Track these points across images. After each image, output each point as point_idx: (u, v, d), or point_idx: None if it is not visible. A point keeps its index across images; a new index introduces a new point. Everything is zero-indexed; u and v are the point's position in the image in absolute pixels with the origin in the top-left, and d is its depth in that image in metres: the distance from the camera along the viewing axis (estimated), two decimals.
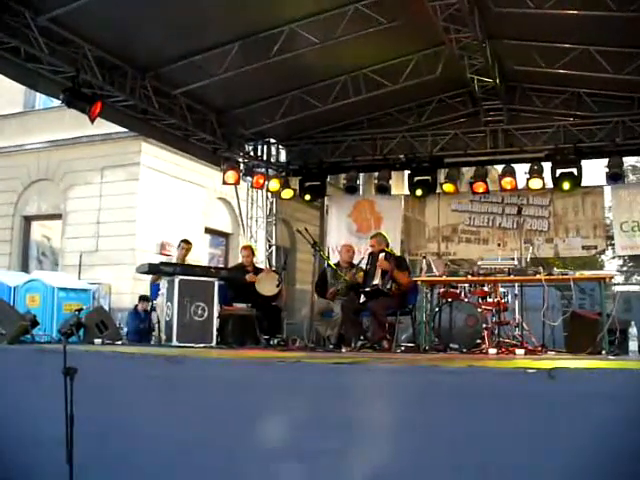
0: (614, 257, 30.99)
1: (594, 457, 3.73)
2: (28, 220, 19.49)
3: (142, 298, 13.95)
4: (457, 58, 10.28)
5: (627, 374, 4.11)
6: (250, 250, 10.73)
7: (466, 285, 9.16)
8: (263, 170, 13.99)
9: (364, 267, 9.35)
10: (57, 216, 18.64)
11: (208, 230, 19.48)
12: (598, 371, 4.32)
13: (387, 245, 9.40)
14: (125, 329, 12.74)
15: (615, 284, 16.08)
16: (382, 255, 8.96)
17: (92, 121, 9.86)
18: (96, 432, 4.78)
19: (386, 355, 7.59)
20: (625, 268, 33.65)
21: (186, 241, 10.48)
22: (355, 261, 9.95)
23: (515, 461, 3.81)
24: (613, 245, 13.78)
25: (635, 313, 13.06)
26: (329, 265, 9.73)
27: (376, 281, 8.79)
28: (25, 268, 18.60)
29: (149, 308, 13.37)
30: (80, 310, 8.77)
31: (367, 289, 8.90)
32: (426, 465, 4.03)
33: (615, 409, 3.74)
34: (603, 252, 14.26)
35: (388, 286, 8.72)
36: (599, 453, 3.72)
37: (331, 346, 8.75)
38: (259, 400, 4.57)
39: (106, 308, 13.11)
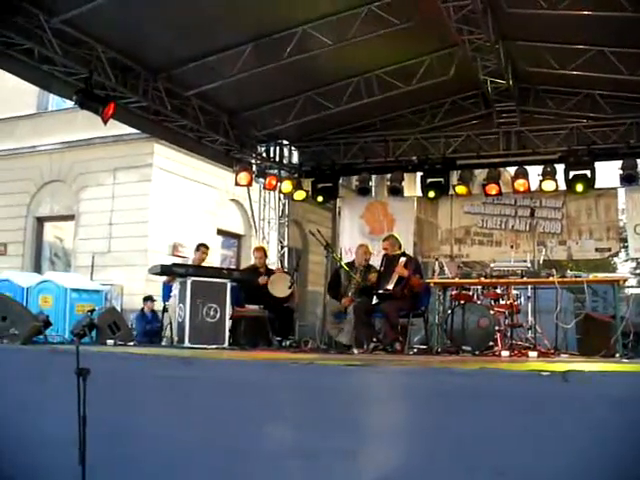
0: (627, 260, 30.94)
1: (608, 460, 3.69)
2: (41, 221, 19.55)
3: (146, 299, 14.00)
4: (470, 59, 10.26)
5: None
6: (263, 252, 10.74)
7: (479, 287, 9.13)
8: (275, 172, 13.99)
9: (378, 269, 9.32)
10: (70, 217, 18.69)
11: (220, 231, 19.48)
12: (613, 374, 4.29)
13: (400, 247, 9.38)
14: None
15: (628, 287, 15.99)
16: (403, 260, 8.88)
17: (105, 122, 9.89)
18: (108, 433, 4.78)
19: (398, 357, 7.57)
20: (638, 271, 33.51)
21: (205, 245, 10.46)
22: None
23: (528, 464, 3.79)
24: (626, 247, 13.72)
25: None
26: (341, 267, 9.70)
27: (390, 286, 8.74)
28: (38, 269, 18.68)
29: (155, 308, 13.44)
30: (93, 311, 8.78)
31: (380, 291, 8.86)
32: (438, 467, 4.01)
33: (631, 413, 3.71)
34: (616, 255, 14.22)
35: (400, 291, 8.70)
36: (613, 456, 3.69)
37: (345, 347, 8.71)
38: (272, 402, 4.55)
39: (118, 309, 13.13)
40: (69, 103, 12.59)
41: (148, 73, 10.49)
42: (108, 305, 14.29)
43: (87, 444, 4.34)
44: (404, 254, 9.16)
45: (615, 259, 30.08)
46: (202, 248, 10.38)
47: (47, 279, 14.82)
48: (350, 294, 9.38)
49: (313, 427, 4.39)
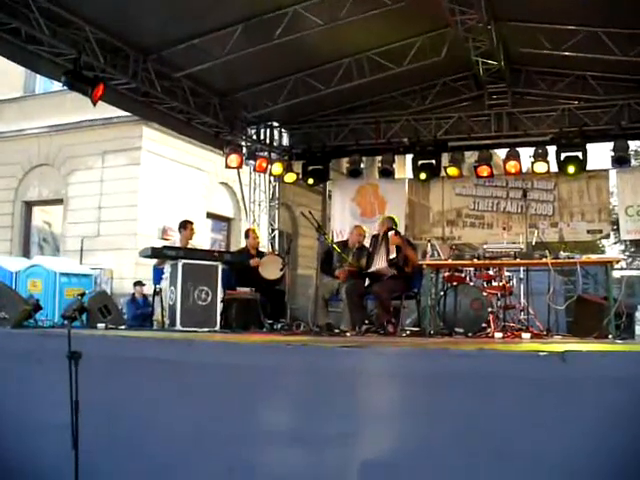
0: (616, 242, 31.05)
1: (606, 439, 3.69)
2: (29, 205, 19.44)
3: (136, 284, 13.94)
4: (462, 40, 10.20)
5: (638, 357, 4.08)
6: (255, 233, 10.66)
7: (471, 269, 9.10)
8: (266, 154, 13.91)
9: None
10: (58, 201, 18.59)
11: (210, 215, 19.43)
12: (610, 354, 4.28)
13: (395, 225, 9.33)
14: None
15: (618, 269, 16.03)
16: (392, 232, 8.85)
17: (94, 104, 9.76)
18: (101, 417, 4.74)
19: (392, 339, 7.54)
20: (627, 253, 33.64)
21: (190, 222, 10.14)
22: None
23: (528, 445, 3.77)
24: (617, 229, 13.74)
25: (639, 297, 13.05)
26: (334, 249, 9.64)
27: (392, 255, 8.67)
28: (26, 254, 18.59)
29: (145, 292, 13.37)
30: (83, 294, 8.71)
31: (372, 270, 8.82)
32: (437, 450, 3.99)
33: (627, 392, 3.71)
34: (608, 236, 14.25)
35: (401, 263, 8.66)
36: (611, 435, 3.69)
37: (336, 330, 8.67)
38: (266, 384, 4.53)
39: (108, 293, 13.08)
40: (57, 86, 12.48)
41: (138, 54, 10.38)
42: (98, 289, 14.24)
43: (81, 428, 4.30)
44: (391, 229, 9.05)
45: (604, 241, 30.16)
46: (188, 225, 9.95)
47: (36, 263, 14.75)
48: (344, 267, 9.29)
49: (309, 409, 4.36)
